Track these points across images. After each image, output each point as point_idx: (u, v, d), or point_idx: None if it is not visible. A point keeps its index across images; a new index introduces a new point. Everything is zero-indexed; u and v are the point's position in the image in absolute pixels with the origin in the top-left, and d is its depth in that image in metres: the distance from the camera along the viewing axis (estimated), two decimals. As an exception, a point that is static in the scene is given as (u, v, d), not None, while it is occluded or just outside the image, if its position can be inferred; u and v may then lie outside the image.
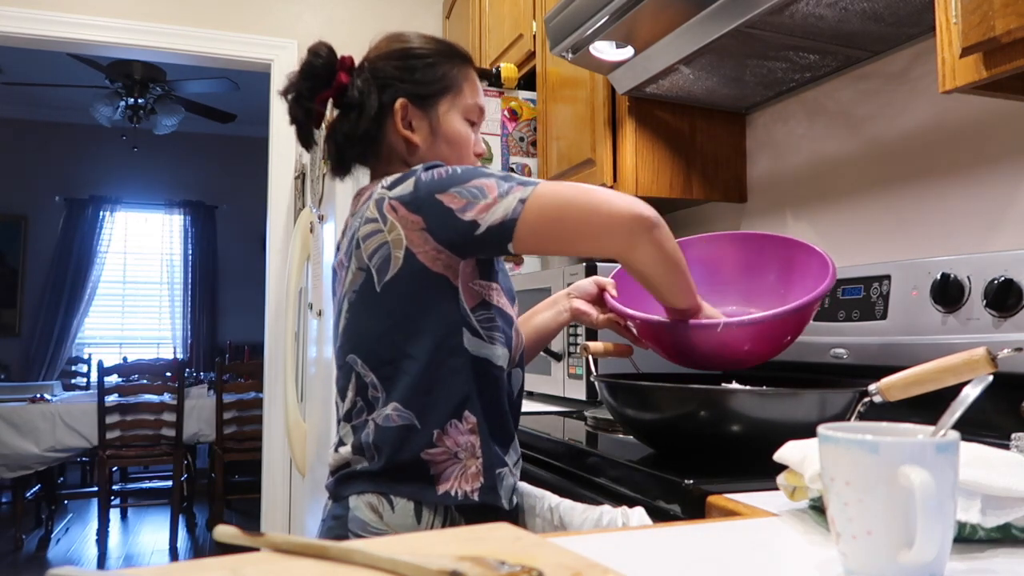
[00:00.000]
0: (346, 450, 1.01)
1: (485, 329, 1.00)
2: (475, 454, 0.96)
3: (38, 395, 4.23)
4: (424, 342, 0.97)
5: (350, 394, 1.02)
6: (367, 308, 1.00)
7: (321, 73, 1.07)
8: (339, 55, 1.09)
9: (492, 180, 0.94)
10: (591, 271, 1.77)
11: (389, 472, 0.96)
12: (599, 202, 0.92)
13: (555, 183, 0.94)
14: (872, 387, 0.83)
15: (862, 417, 0.86)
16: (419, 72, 1.07)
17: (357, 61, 1.11)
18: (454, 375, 0.97)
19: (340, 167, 1.13)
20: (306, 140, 1.11)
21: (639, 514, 0.90)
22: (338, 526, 0.97)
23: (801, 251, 1.27)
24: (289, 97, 1.09)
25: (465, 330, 0.98)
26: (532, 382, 1.98)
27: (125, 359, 5.77)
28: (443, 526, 0.95)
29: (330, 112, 1.10)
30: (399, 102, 1.07)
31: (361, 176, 1.16)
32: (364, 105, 1.06)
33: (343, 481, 0.99)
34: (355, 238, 1.01)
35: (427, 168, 0.97)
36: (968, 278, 1.21)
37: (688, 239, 1.36)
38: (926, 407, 0.82)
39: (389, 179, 1.01)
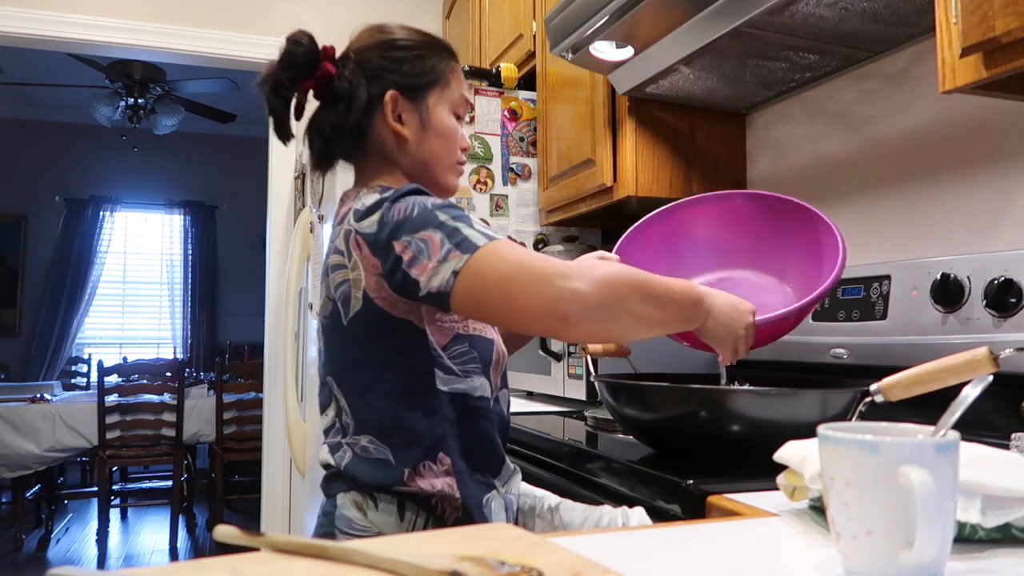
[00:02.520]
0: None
1: (460, 364, 0.97)
2: (452, 494, 0.95)
3: (38, 395, 4.22)
4: (393, 381, 0.95)
5: (330, 412, 1.01)
6: (337, 337, 0.99)
7: (302, 62, 1.02)
8: (320, 44, 1.04)
9: (439, 235, 0.88)
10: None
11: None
12: (518, 296, 0.85)
13: (495, 253, 0.87)
14: (873, 387, 0.83)
15: (863, 417, 0.86)
16: (407, 64, 1.04)
17: (339, 52, 1.07)
18: (428, 415, 0.95)
19: (325, 161, 1.09)
20: (284, 132, 1.05)
21: (639, 514, 0.91)
22: (327, 523, 0.97)
23: (814, 221, 1.26)
24: (266, 87, 1.03)
25: (437, 370, 0.96)
26: (532, 382, 1.98)
27: (125, 359, 5.77)
28: (427, 525, 0.95)
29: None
30: (389, 94, 1.03)
31: (344, 171, 1.13)
32: (353, 96, 1.02)
33: (332, 479, 0.99)
34: (326, 264, 1.00)
35: (394, 200, 0.93)
36: (968, 278, 1.21)
37: (701, 197, 1.38)
38: (926, 407, 0.82)
39: (362, 205, 0.97)
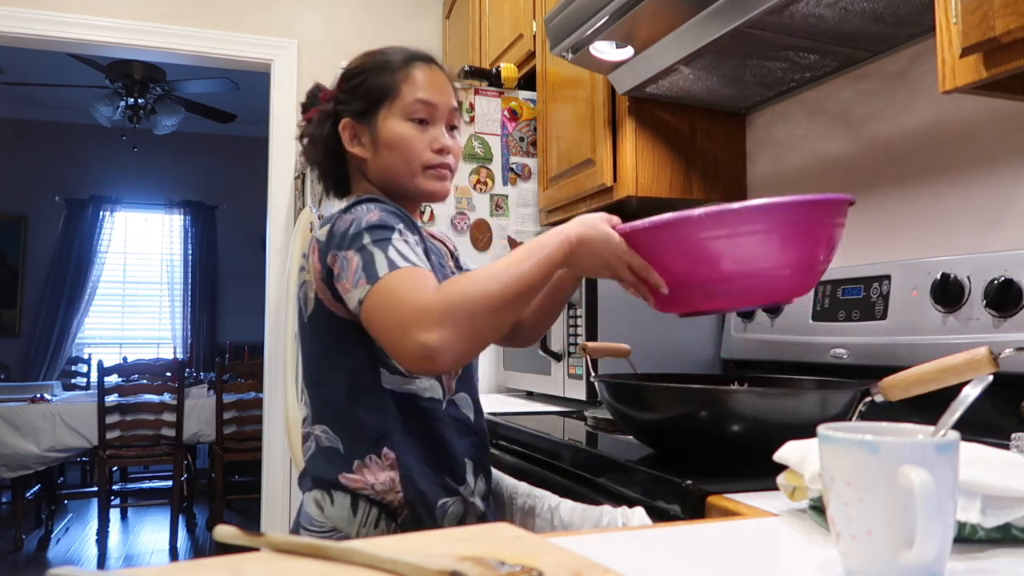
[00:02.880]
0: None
1: None
2: (394, 489, 0.99)
3: (38, 395, 4.22)
4: (341, 376, 1.02)
5: (302, 404, 1.10)
6: (301, 332, 1.08)
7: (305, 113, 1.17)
8: (322, 89, 1.15)
9: (357, 258, 0.93)
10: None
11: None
12: (392, 341, 0.87)
13: (383, 291, 0.89)
14: (873, 387, 0.83)
15: (863, 417, 0.86)
16: (356, 90, 1.10)
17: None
18: (373, 410, 1.00)
19: (333, 190, 1.18)
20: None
21: (639, 514, 0.90)
22: (295, 522, 1.05)
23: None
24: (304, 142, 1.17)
25: (382, 369, 1.01)
26: (532, 382, 1.98)
27: (125, 359, 5.77)
28: (379, 520, 0.99)
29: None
30: (342, 123, 1.10)
31: None
32: (314, 135, 1.13)
33: (301, 477, 1.06)
34: (300, 266, 1.09)
35: (344, 211, 1.00)
36: (968, 278, 1.21)
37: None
38: (926, 407, 0.82)
39: (328, 213, 1.05)
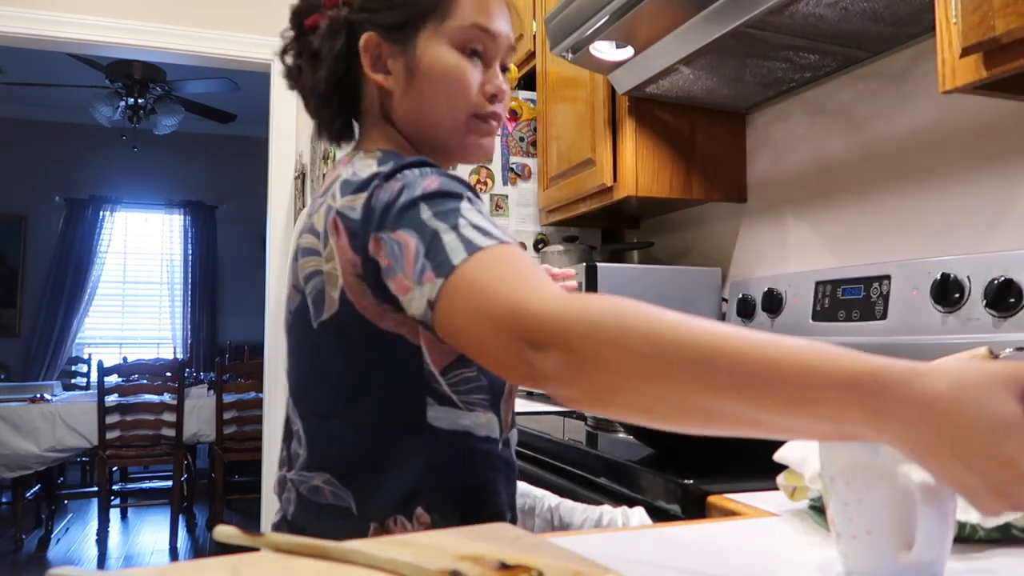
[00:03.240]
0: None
1: (462, 393, 0.76)
2: None
3: (38, 395, 4.22)
4: (368, 408, 0.74)
5: (281, 440, 0.83)
6: (302, 340, 0.79)
7: (300, 20, 0.87)
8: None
9: (415, 240, 0.66)
10: (591, 272, 1.77)
11: None
12: (488, 356, 0.62)
13: (467, 282, 0.62)
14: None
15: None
16: None
17: None
18: (409, 456, 0.74)
19: (325, 132, 0.89)
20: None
21: (639, 514, 0.90)
22: None
23: None
24: (280, 56, 0.89)
25: (430, 399, 0.74)
26: (532, 382, 1.97)
27: (125, 359, 5.77)
28: None
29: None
30: (364, 37, 0.81)
31: None
32: (319, 51, 0.83)
33: (276, 529, 0.79)
34: (297, 245, 0.81)
35: (388, 176, 0.72)
36: (968, 278, 1.21)
37: None
38: (926, 407, 0.82)
39: (353, 174, 0.76)
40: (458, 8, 0.80)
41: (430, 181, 0.70)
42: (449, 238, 0.65)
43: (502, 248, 0.63)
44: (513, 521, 0.84)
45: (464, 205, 0.68)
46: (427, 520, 0.73)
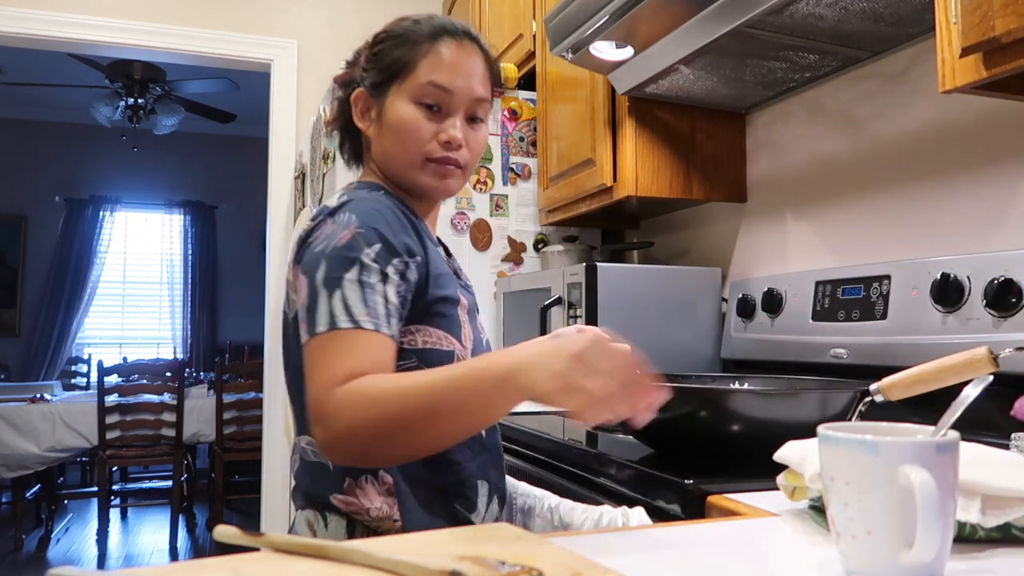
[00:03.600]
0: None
1: (429, 365, 0.87)
2: (391, 517, 0.86)
3: (38, 395, 4.22)
4: None
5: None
6: (285, 334, 0.96)
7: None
8: (364, 50, 1.03)
9: (305, 291, 0.83)
10: (591, 272, 1.77)
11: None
12: (309, 400, 0.78)
13: (319, 347, 0.78)
14: (873, 386, 0.83)
15: (863, 417, 0.86)
16: (377, 58, 0.98)
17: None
18: None
19: (350, 159, 1.09)
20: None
21: (639, 514, 0.90)
22: None
23: None
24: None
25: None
26: (532, 382, 1.97)
27: (125, 359, 5.77)
28: None
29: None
30: (354, 93, 0.99)
31: (344, 170, 1.13)
32: (338, 98, 1.04)
33: (293, 493, 0.95)
34: (290, 259, 0.94)
35: (331, 213, 0.88)
36: (968, 278, 1.21)
37: None
38: (926, 407, 0.82)
39: (328, 201, 0.92)
40: (419, 68, 0.95)
41: (344, 234, 0.84)
42: (323, 306, 0.80)
43: (346, 334, 0.78)
44: (499, 501, 0.95)
45: (350, 276, 0.81)
46: (389, 482, 0.87)
